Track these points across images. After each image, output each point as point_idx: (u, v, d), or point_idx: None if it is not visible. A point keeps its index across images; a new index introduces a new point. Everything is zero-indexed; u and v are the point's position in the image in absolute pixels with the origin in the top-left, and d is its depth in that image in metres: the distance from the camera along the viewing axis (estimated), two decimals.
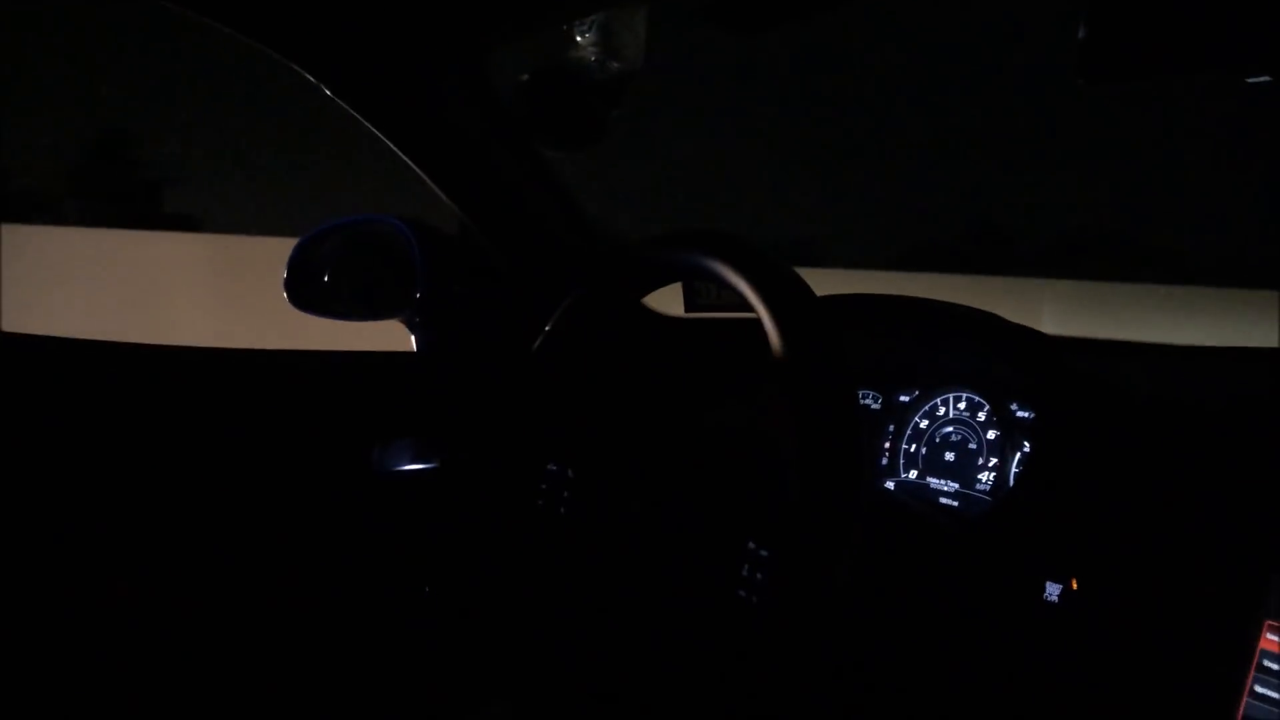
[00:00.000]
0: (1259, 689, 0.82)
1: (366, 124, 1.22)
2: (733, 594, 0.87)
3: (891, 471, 1.24)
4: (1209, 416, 1.04)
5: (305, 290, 1.37)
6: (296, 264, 1.37)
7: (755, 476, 0.96)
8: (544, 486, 1.04)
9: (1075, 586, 0.94)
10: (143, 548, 1.26)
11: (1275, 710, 0.81)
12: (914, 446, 1.23)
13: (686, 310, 1.38)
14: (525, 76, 1.23)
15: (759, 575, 0.86)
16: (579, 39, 1.21)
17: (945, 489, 1.18)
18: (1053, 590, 0.95)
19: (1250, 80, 0.71)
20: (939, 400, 1.22)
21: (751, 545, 0.88)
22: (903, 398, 1.26)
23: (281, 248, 1.35)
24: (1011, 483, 1.12)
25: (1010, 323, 1.13)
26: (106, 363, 1.26)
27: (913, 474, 1.22)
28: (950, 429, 1.20)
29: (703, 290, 1.32)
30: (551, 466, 1.04)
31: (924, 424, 1.23)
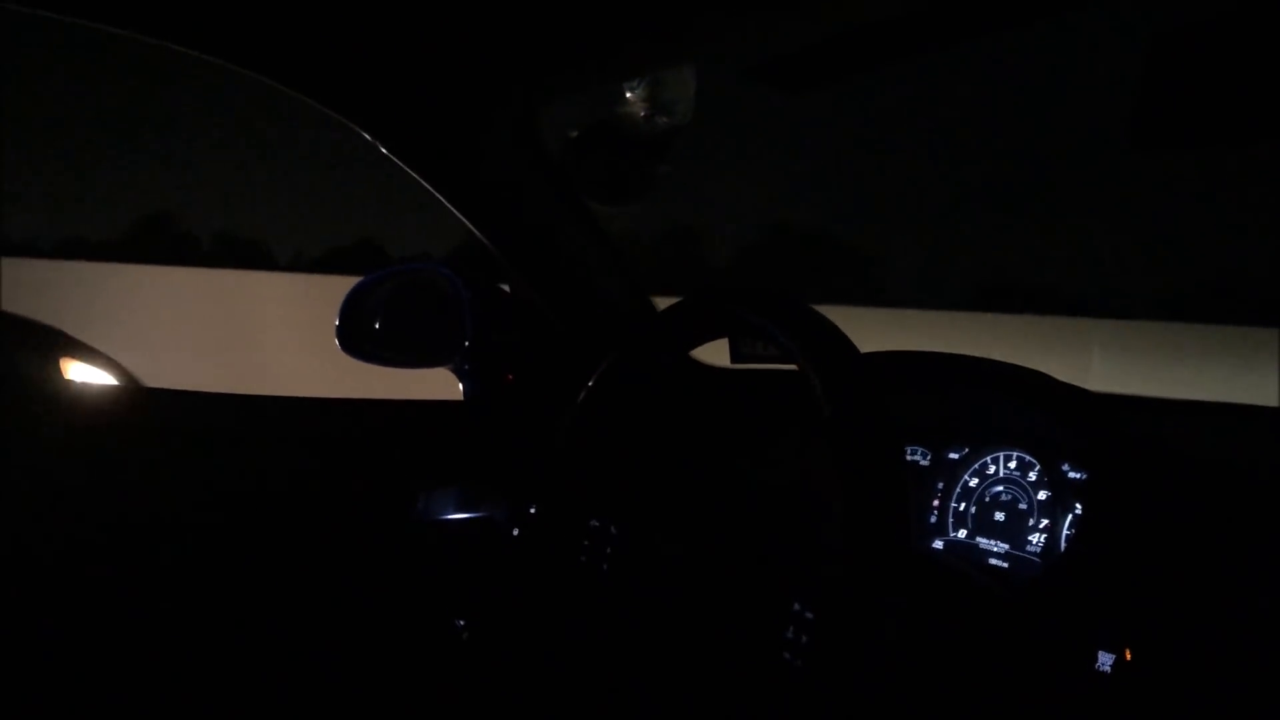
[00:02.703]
0: None
1: (416, 177, 1.24)
2: (777, 656, 0.86)
3: (940, 530, 1.22)
4: (1268, 479, 1.01)
5: (356, 337, 1.39)
6: (349, 310, 1.39)
7: (801, 534, 0.96)
8: (587, 543, 1.04)
9: (1129, 657, 0.92)
10: (187, 588, 1.28)
11: None
12: (963, 505, 1.21)
13: (733, 362, 1.38)
14: (574, 133, 1.24)
15: (804, 638, 0.86)
16: (628, 95, 1.22)
17: (995, 549, 1.16)
18: (1105, 660, 0.93)
19: None
20: (989, 458, 1.21)
21: (796, 607, 0.87)
22: (952, 455, 1.24)
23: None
24: (1063, 545, 1.10)
25: (1059, 382, 1.11)
26: (156, 408, 1.29)
27: (962, 533, 1.21)
28: (1000, 488, 1.18)
29: (748, 343, 1.32)
30: (595, 523, 1.04)
31: (974, 482, 1.21)
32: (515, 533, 1.19)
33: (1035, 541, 1.13)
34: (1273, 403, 1.16)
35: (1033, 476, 1.16)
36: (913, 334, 1.27)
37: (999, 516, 1.17)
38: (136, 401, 1.27)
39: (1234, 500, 1.00)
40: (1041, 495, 1.14)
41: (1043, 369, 1.13)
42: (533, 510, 1.10)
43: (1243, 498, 1.00)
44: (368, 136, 1.18)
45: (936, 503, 1.24)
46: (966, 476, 1.22)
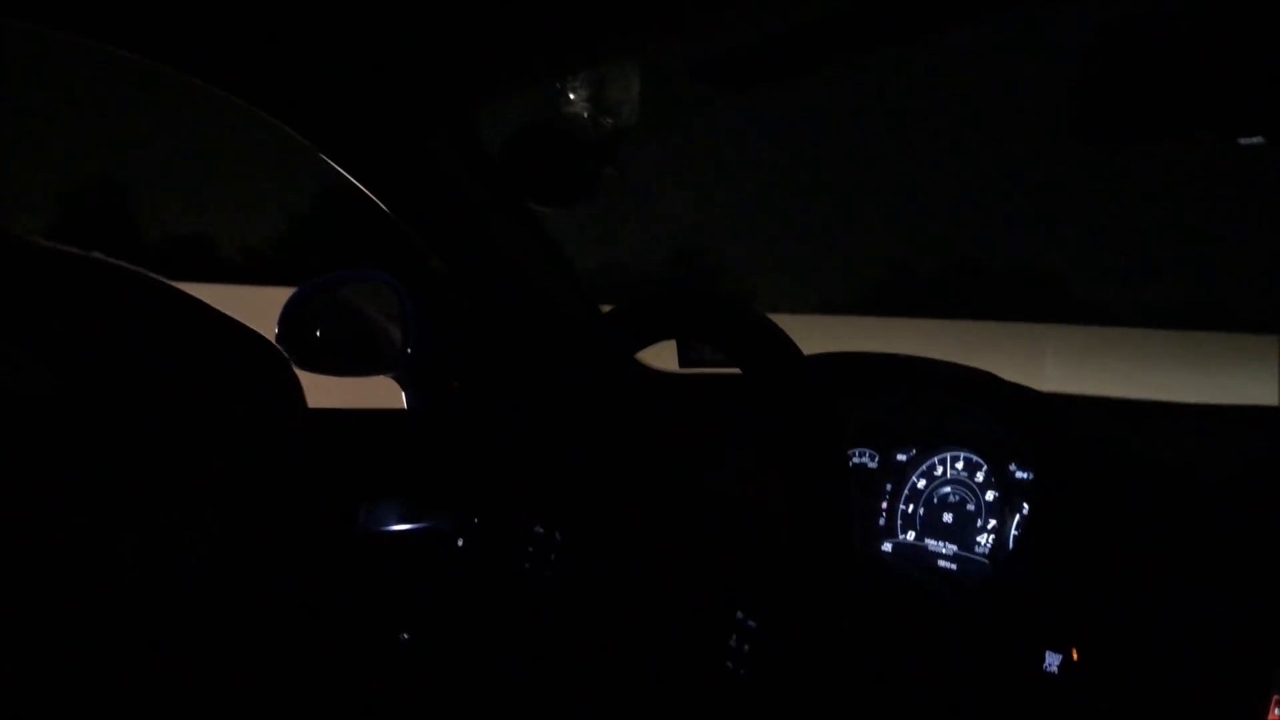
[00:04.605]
0: None
1: (355, 183, 1.21)
2: (720, 665, 0.85)
3: (889, 532, 1.22)
4: (1215, 480, 1.01)
5: (297, 346, 1.36)
6: (288, 319, 1.36)
7: (746, 541, 0.94)
8: (530, 549, 1.02)
9: (1075, 657, 0.91)
10: (126, 601, 1.24)
11: None
12: (911, 507, 1.21)
13: (680, 366, 1.36)
14: (516, 135, 1.22)
15: (746, 647, 0.84)
16: (571, 95, 1.20)
17: (943, 551, 1.15)
18: (1052, 661, 0.92)
19: (1243, 142, 0.70)
20: (937, 460, 1.20)
21: (740, 615, 0.85)
22: (900, 456, 1.23)
23: None
24: (1010, 546, 1.10)
25: (1007, 382, 1.11)
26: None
27: (910, 535, 1.20)
28: (948, 489, 1.18)
29: (695, 347, 1.31)
30: (538, 529, 1.02)
31: (922, 484, 1.21)
32: (460, 543, 1.17)
33: (983, 542, 1.12)
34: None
35: (980, 477, 1.15)
36: (866, 340, 1.26)
37: (947, 518, 1.17)
38: None
39: (1180, 501, 1.00)
40: (989, 496, 1.14)
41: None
42: (477, 520, 1.08)
43: (1189, 499, 1.00)
44: (305, 141, 1.16)
45: (885, 505, 1.23)
46: (914, 478, 1.21)
